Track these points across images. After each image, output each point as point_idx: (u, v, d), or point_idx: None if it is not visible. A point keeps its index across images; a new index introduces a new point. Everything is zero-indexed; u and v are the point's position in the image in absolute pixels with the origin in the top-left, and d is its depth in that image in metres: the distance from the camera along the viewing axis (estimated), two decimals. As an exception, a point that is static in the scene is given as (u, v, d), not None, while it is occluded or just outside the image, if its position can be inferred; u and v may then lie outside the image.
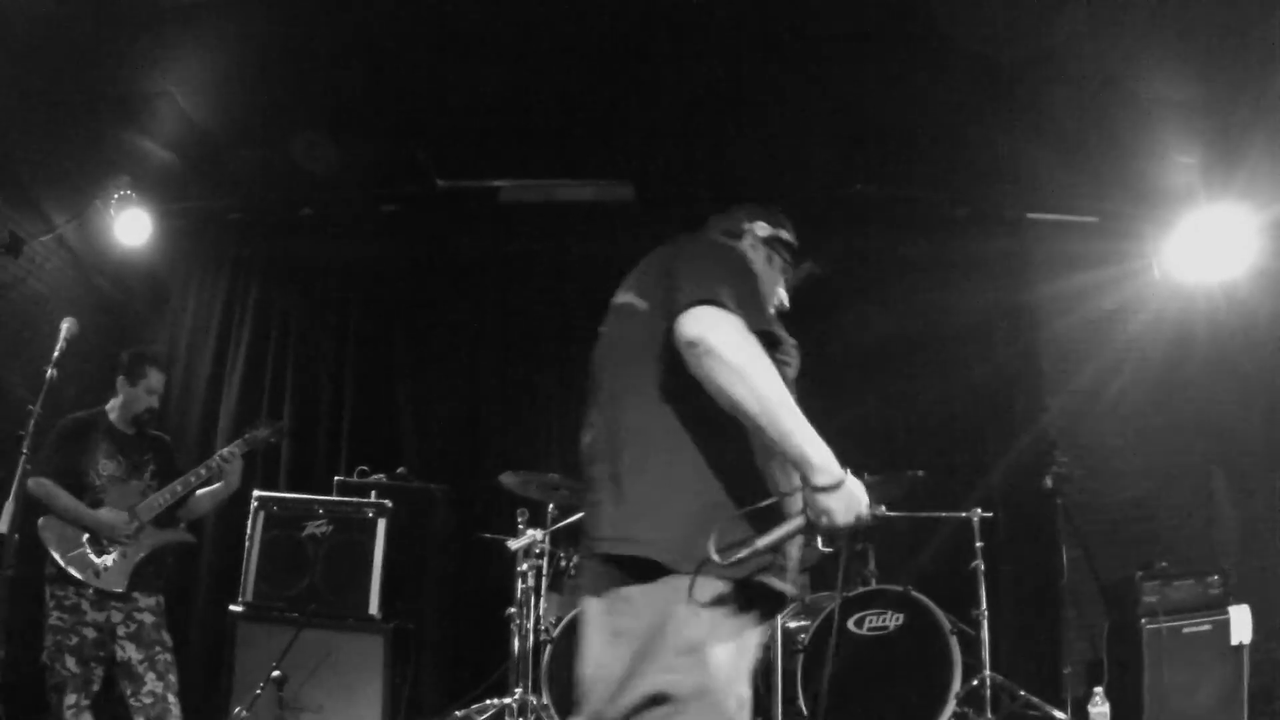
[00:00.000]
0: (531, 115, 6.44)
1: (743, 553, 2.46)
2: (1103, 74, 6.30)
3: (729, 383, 2.49)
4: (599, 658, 2.65)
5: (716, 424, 2.60)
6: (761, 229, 3.27)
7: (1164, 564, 6.39)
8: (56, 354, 4.51)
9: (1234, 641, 6.36)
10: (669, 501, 2.59)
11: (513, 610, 5.60)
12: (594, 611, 2.70)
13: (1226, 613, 6.37)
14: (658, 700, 2.48)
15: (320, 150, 6.64)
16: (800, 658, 5.24)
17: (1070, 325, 7.24)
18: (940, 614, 5.47)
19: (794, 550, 2.70)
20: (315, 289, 7.53)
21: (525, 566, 5.51)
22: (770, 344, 2.63)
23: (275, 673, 5.45)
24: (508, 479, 5.81)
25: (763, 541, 2.47)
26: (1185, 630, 6.28)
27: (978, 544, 6.01)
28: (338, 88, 6.24)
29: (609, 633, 2.62)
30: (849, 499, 2.49)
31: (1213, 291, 7.08)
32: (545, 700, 5.29)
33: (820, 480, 2.47)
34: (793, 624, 5.57)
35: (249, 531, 5.91)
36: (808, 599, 5.83)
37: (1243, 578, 6.60)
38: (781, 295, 3.25)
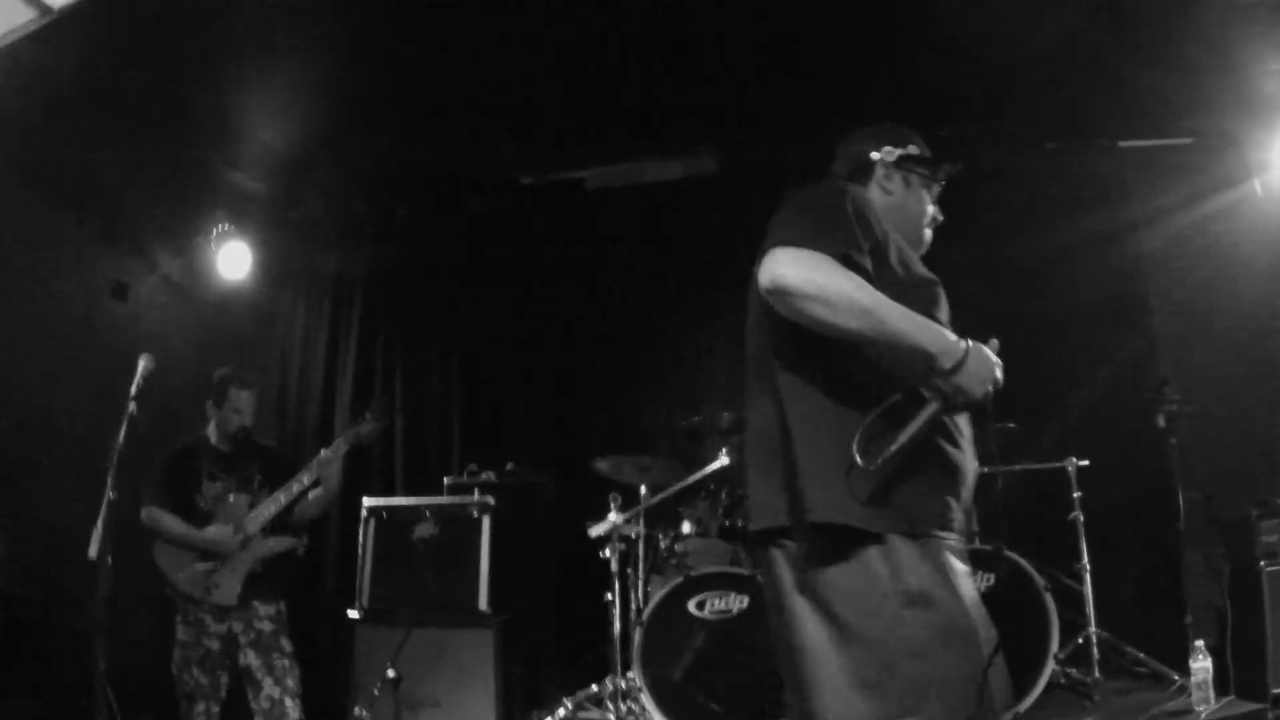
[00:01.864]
0: (606, 99, 6.62)
1: (890, 449, 2.56)
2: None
3: (821, 313, 2.56)
4: (816, 644, 2.63)
5: (838, 367, 2.69)
6: (889, 153, 3.19)
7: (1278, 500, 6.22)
8: (134, 389, 4.76)
9: (1361, 578, 6.14)
10: (827, 463, 2.64)
11: (609, 596, 5.80)
12: (794, 598, 2.70)
13: (1351, 547, 6.16)
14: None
15: (407, 156, 6.99)
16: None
17: (1173, 252, 7.01)
18: (1033, 571, 5.43)
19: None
20: (416, 292, 7.85)
21: (608, 552, 5.69)
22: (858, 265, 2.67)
23: (390, 673, 5.75)
24: (601, 465, 6.03)
25: (904, 435, 2.57)
26: (1303, 570, 6.09)
27: (1075, 494, 5.93)
28: (418, 93, 6.51)
29: (821, 615, 2.64)
30: (977, 370, 2.59)
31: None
32: (639, 682, 5.43)
33: (945, 364, 2.57)
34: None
35: (361, 539, 6.24)
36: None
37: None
38: (931, 212, 3.21)
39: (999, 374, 2.64)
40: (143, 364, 4.82)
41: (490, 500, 6.22)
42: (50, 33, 5.17)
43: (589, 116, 6.71)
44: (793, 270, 2.58)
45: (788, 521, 2.69)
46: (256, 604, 5.44)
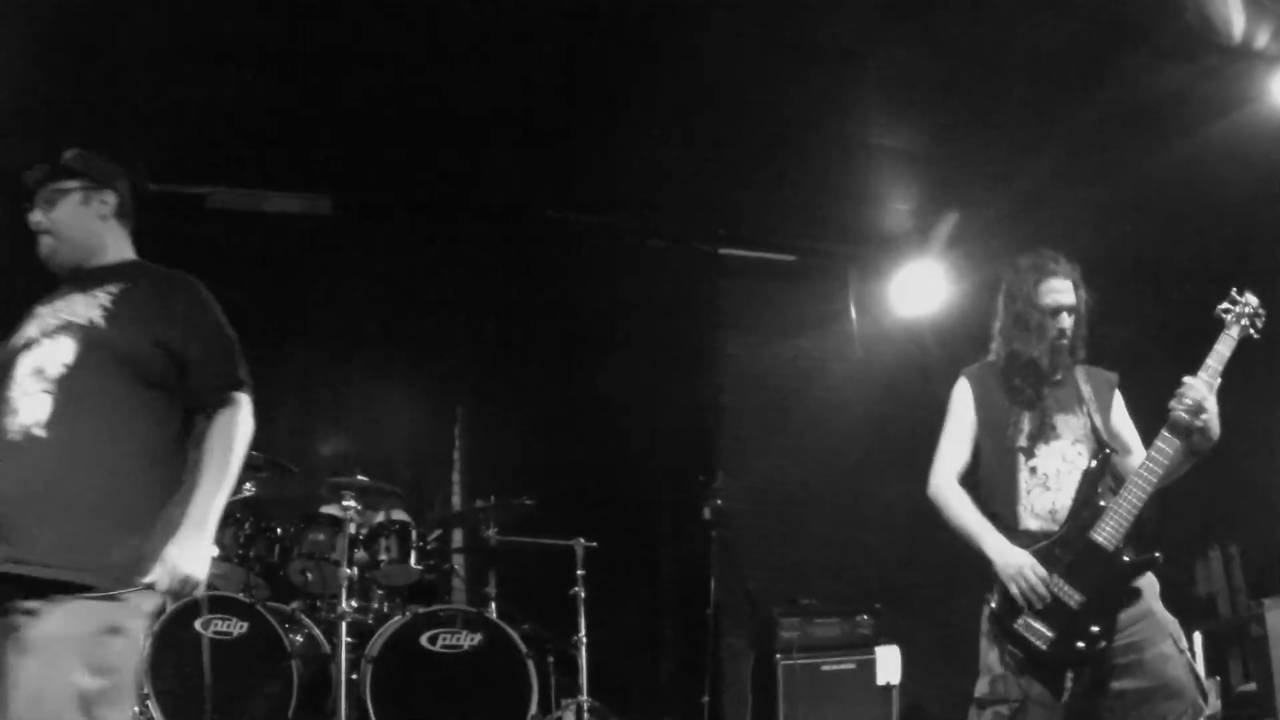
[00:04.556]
0: (239, 125, 7.03)
1: None
2: (810, 115, 6.85)
3: None
4: None
5: None
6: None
7: (807, 601, 6.96)
8: None
9: (880, 681, 6.89)
10: None
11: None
12: None
13: (873, 652, 6.92)
14: None
15: (37, 144, 7.37)
16: (370, 668, 5.89)
17: (756, 359, 7.80)
18: (516, 637, 6.08)
19: None
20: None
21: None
22: None
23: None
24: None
25: None
26: (825, 668, 6.82)
27: (579, 571, 6.57)
28: (57, 85, 6.92)
29: None
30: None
31: (913, 333, 7.61)
32: (147, 689, 5.91)
33: None
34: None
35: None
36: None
37: (907, 617, 7.15)
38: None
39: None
40: None
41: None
42: None
43: (214, 136, 7.14)
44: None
45: None
46: None
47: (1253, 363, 4.06)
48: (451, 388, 7.97)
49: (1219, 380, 3.93)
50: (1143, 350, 6.33)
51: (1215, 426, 3.93)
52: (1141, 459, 3.96)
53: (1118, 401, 4.31)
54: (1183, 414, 3.88)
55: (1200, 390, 3.89)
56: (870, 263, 7.79)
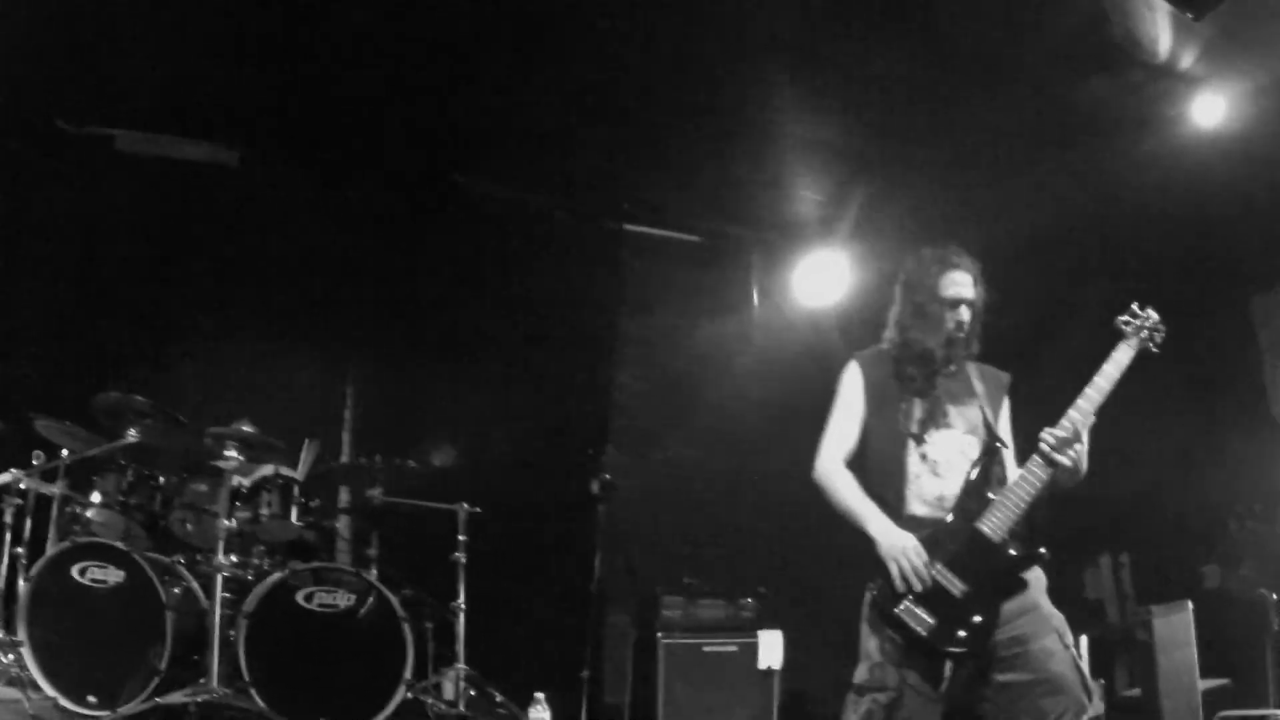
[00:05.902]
0: (152, 67, 6.97)
1: None
2: (724, 98, 6.98)
3: None
4: None
5: None
6: None
7: (690, 581, 7.10)
8: None
9: (762, 665, 7.05)
10: None
11: (19, 550, 6.27)
12: None
13: (756, 636, 7.08)
14: None
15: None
16: (245, 624, 5.97)
17: (654, 337, 7.95)
18: (394, 600, 6.19)
19: None
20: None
21: (2, 505, 6.18)
22: None
23: None
24: (40, 422, 6.52)
25: None
26: (706, 649, 6.98)
27: (460, 537, 6.70)
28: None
29: None
30: None
31: (814, 322, 7.78)
32: (21, 636, 5.97)
33: None
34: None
35: None
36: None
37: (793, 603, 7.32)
38: None
39: None
40: None
41: (-62, 436, 6.67)
42: None
43: (126, 75, 7.06)
44: None
45: None
46: None
47: (1144, 372, 4.16)
48: (345, 346, 8.09)
49: (1105, 398, 4.07)
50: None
51: (1083, 465, 4.09)
52: (1018, 474, 4.08)
53: (1005, 403, 4.43)
54: (1047, 448, 4.01)
55: (1069, 429, 4.02)
56: (774, 249, 7.94)
